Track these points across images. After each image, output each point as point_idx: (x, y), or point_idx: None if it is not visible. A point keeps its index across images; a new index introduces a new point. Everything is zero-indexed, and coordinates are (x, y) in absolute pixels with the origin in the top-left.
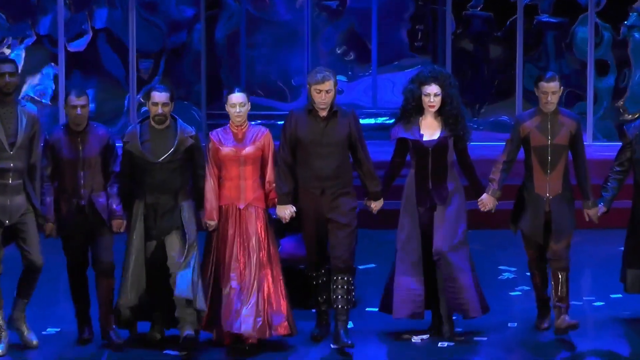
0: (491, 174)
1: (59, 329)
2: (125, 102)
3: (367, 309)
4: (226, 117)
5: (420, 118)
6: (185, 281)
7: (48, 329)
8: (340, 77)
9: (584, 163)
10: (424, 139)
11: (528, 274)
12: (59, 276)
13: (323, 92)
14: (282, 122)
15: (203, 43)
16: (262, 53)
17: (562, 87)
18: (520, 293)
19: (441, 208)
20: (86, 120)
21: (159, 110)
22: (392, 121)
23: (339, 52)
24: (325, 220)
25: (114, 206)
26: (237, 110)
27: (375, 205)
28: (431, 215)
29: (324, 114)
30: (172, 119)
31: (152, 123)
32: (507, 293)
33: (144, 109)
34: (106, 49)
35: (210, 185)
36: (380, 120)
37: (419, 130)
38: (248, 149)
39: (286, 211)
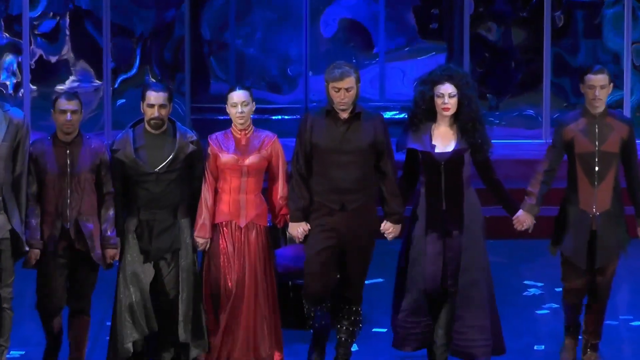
0: (529, 186)
1: (23, 352)
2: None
3: (373, 330)
4: (213, 111)
5: (433, 126)
6: (188, 327)
7: (11, 352)
8: None
9: (638, 174)
10: (436, 150)
11: (557, 289)
12: (24, 291)
13: (342, 91)
14: (277, 118)
15: (187, 26)
16: (255, 38)
17: (611, 83)
18: (548, 311)
19: (456, 234)
20: (77, 129)
21: (156, 113)
22: (402, 116)
23: (341, 37)
24: (342, 241)
25: (108, 232)
26: (239, 111)
27: (393, 230)
28: (444, 242)
29: (344, 115)
30: (170, 123)
31: (147, 127)
32: (533, 311)
33: (120, 101)
34: (77, 32)
35: (205, 196)
36: (388, 114)
37: (431, 140)
38: (252, 159)
39: (299, 229)
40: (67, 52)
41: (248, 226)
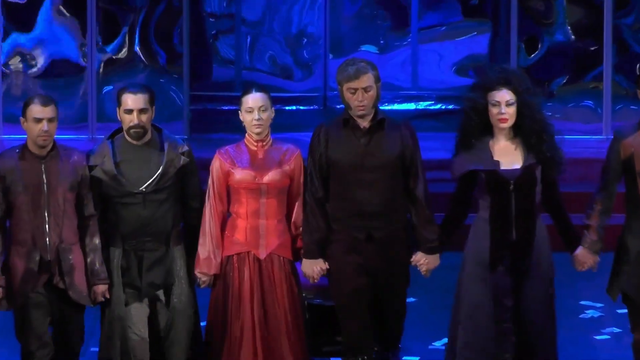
0: (586, 217)
1: None
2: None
3: (404, 358)
4: (216, 101)
5: (490, 141)
6: None
7: None
8: (368, 48)
9: None
10: (502, 168)
11: (619, 311)
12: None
13: (360, 92)
14: (291, 108)
15: (186, 0)
16: (266, 14)
17: None
18: (608, 337)
19: (525, 270)
20: (52, 139)
21: (135, 120)
22: (438, 107)
23: (366, 13)
24: (373, 279)
25: (97, 265)
26: (256, 118)
27: (428, 263)
28: (513, 280)
29: (365, 124)
30: (155, 130)
31: (127, 138)
32: (592, 336)
33: (107, 88)
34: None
35: (209, 223)
36: (422, 105)
37: (492, 156)
38: (272, 175)
39: (315, 268)
40: (43, 28)
41: (269, 259)
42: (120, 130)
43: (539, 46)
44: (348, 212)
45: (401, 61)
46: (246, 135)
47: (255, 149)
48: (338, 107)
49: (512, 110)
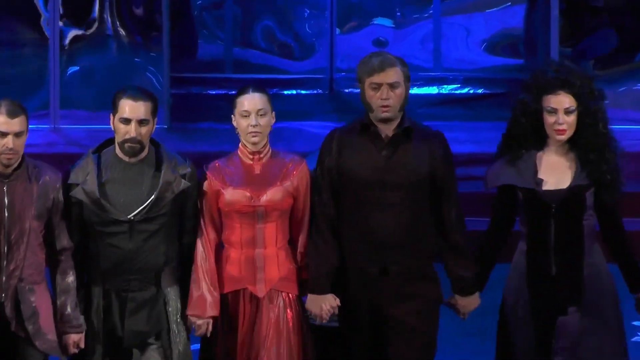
0: None
1: None
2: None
3: None
4: (201, 84)
5: (539, 153)
6: None
7: None
8: (382, 21)
9: None
10: (544, 188)
11: None
12: None
13: (385, 88)
14: (290, 93)
15: None
16: None
17: None
18: None
19: (573, 311)
20: (19, 157)
21: (133, 132)
22: (464, 91)
23: None
24: (388, 320)
25: (68, 309)
26: (253, 124)
27: (466, 306)
28: (555, 324)
29: (388, 132)
30: (153, 146)
31: (119, 153)
32: None
33: (72, 69)
34: None
35: (201, 257)
36: (446, 89)
37: (536, 173)
38: (272, 194)
39: (324, 305)
40: None
41: (270, 296)
42: (109, 142)
43: (585, 21)
44: (359, 240)
45: (421, 37)
46: (240, 145)
47: (251, 162)
48: (346, 91)
49: (571, 119)
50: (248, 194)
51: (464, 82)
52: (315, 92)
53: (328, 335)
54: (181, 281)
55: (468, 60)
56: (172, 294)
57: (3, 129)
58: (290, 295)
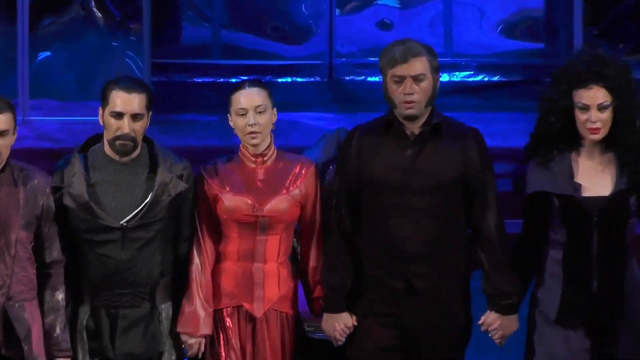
0: None
1: None
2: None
3: None
4: (185, 71)
5: (573, 155)
6: None
7: None
8: (388, 1)
9: None
10: (584, 194)
11: None
12: None
13: (408, 81)
14: (285, 80)
15: None
16: None
17: None
18: None
19: (613, 331)
20: (3, 159)
21: (126, 128)
22: (478, 79)
23: None
24: (411, 344)
25: (57, 330)
26: (251, 122)
27: (504, 328)
28: (594, 342)
29: (414, 129)
30: (147, 144)
31: (109, 152)
32: None
33: (43, 54)
34: None
35: (196, 266)
36: (458, 76)
37: (572, 177)
38: (277, 203)
39: (339, 325)
40: None
41: (267, 316)
42: (96, 139)
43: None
44: (382, 251)
45: (430, 19)
46: (240, 146)
47: (254, 166)
48: (347, 78)
49: (605, 115)
50: (250, 202)
51: (478, 69)
52: (312, 79)
53: (328, 350)
54: (174, 297)
55: (482, 44)
56: (167, 311)
57: None
58: (288, 315)
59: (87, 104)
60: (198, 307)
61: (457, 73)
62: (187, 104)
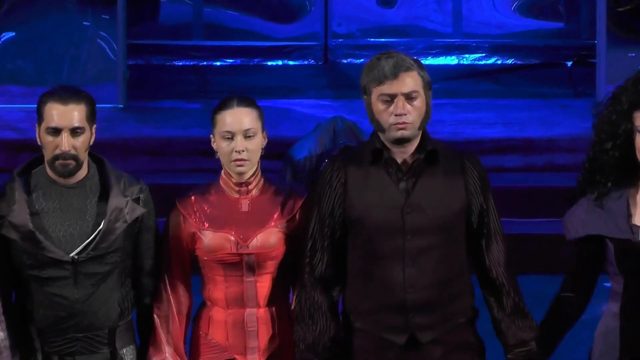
0: None
1: None
2: None
3: None
4: (164, 53)
5: (630, 190)
6: None
7: None
8: None
9: None
10: None
11: None
12: None
13: (399, 100)
14: (275, 64)
15: None
16: None
17: None
18: None
19: None
20: None
21: (63, 145)
22: (490, 62)
23: None
24: None
25: None
26: (238, 149)
27: None
28: None
29: (406, 157)
30: (94, 162)
31: (50, 173)
32: None
33: (6, 35)
34: None
35: (164, 316)
36: (468, 59)
37: (629, 215)
38: (264, 238)
39: None
40: None
41: None
42: (39, 160)
43: None
44: (377, 302)
45: None
46: (222, 173)
47: (237, 196)
48: (344, 61)
49: None
50: (232, 238)
51: (490, 51)
52: (306, 62)
53: None
54: (140, 338)
55: (495, 23)
56: (128, 356)
57: None
58: None
59: None
60: (168, 356)
61: (467, 55)
62: (166, 89)
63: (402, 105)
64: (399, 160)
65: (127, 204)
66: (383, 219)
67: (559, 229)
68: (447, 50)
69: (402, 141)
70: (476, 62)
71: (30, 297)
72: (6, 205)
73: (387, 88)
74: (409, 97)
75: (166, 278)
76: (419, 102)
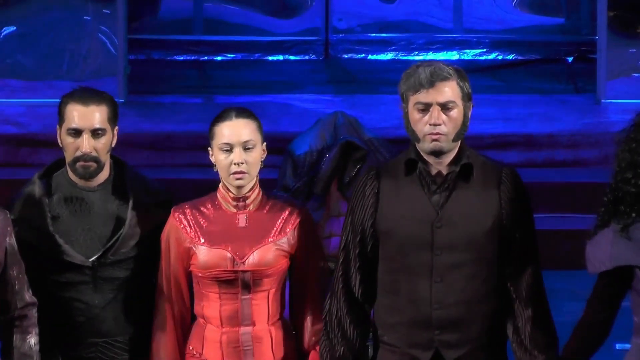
0: None
1: None
2: None
3: None
4: (164, 47)
5: None
6: None
7: None
8: None
9: None
10: None
11: None
12: None
13: (435, 110)
14: (276, 59)
15: None
16: None
17: None
18: None
19: None
20: None
21: (85, 147)
22: (491, 57)
23: None
24: None
25: None
26: (237, 161)
27: None
28: None
29: (441, 168)
30: (117, 166)
31: (72, 176)
32: None
33: (7, 29)
34: None
35: (160, 332)
36: (469, 54)
37: None
38: (261, 255)
39: None
40: None
41: None
42: (59, 165)
43: None
44: (404, 317)
45: None
46: (220, 186)
47: (234, 210)
48: (345, 57)
49: None
50: (229, 255)
51: (491, 46)
52: (306, 57)
53: None
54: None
55: (495, 19)
56: None
57: None
58: None
59: (55, 84)
60: None
61: (467, 51)
62: (167, 84)
63: (437, 115)
64: (434, 172)
65: (149, 209)
66: (412, 233)
67: (559, 225)
68: (448, 46)
69: (437, 153)
70: (477, 58)
71: (49, 301)
72: (26, 209)
73: (423, 97)
74: (445, 107)
75: (161, 290)
76: (456, 113)
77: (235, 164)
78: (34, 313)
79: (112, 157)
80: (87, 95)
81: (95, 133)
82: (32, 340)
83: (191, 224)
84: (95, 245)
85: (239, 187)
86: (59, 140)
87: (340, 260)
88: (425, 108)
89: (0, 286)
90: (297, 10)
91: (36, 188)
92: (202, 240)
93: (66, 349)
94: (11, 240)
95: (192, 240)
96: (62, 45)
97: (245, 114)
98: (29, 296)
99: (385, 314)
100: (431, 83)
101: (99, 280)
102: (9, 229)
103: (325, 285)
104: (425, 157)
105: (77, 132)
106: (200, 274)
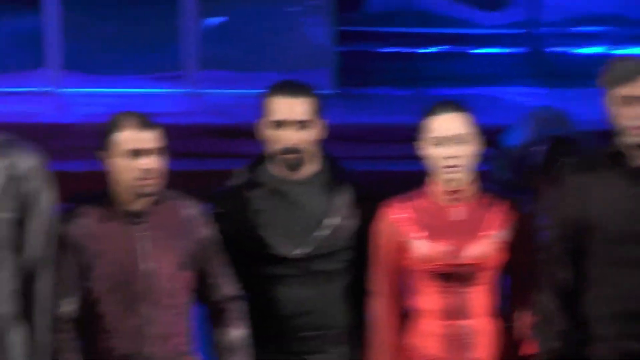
0: None
1: None
2: None
3: None
4: (368, 39)
5: None
6: None
7: None
8: None
9: None
10: None
11: None
12: None
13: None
14: (480, 52)
15: None
16: None
17: None
18: None
19: None
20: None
21: (289, 139)
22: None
23: None
24: None
25: None
26: (448, 154)
27: None
28: None
29: None
30: (325, 159)
31: (276, 169)
32: None
33: None
34: None
35: (381, 323)
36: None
37: None
38: (480, 248)
39: None
40: None
41: None
42: (263, 158)
43: None
44: (615, 310)
45: None
46: (432, 180)
47: (447, 204)
48: (553, 50)
49: None
50: (448, 249)
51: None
52: (515, 51)
53: None
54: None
55: None
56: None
57: (139, 145)
58: None
59: (262, 75)
60: None
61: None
62: (375, 76)
63: None
64: (634, 164)
65: (357, 202)
66: (618, 226)
67: None
68: None
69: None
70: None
71: (258, 295)
72: (230, 202)
73: (628, 90)
74: None
75: (380, 287)
76: None
77: (444, 158)
78: (237, 307)
79: (321, 150)
80: (294, 87)
81: (301, 125)
82: (236, 332)
83: (406, 218)
84: (301, 239)
85: (450, 181)
86: (262, 132)
87: (548, 254)
88: (630, 101)
89: (200, 279)
90: (504, 3)
91: (240, 181)
92: (420, 234)
93: (279, 343)
94: (208, 233)
95: (407, 234)
96: (266, 36)
97: (458, 107)
98: (231, 290)
99: (595, 306)
100: (636, 76)
101: (307, 273)
102: (205, 222)
103: (536, 278)
104: (630, 149)
105: (281, 124)
106: (417, 268)
